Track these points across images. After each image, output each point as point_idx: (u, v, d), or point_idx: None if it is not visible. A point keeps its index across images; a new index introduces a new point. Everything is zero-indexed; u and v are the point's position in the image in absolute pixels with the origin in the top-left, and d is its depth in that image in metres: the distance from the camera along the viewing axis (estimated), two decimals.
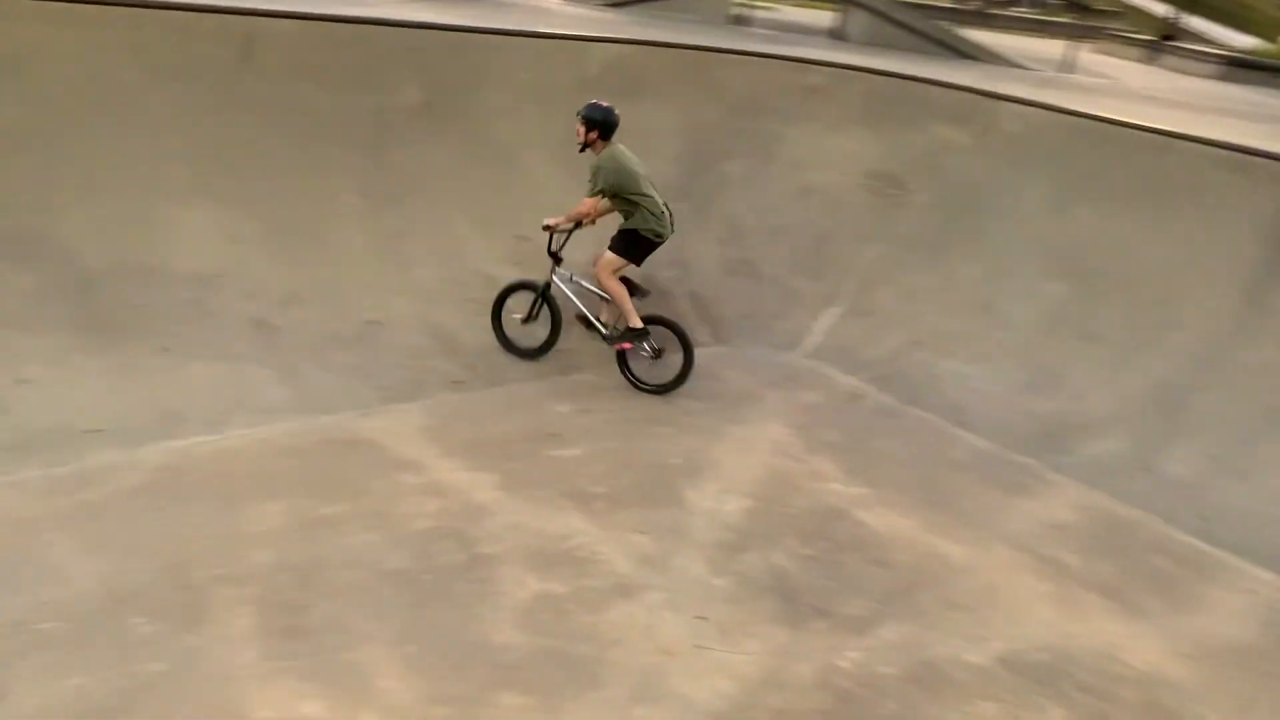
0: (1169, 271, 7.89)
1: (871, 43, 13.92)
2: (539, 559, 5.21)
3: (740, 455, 6.66)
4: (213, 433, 6.09)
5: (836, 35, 14.33)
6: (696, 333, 8.61)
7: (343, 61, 8.34)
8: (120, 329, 6.50)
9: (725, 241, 9.60)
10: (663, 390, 7.44)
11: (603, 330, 7.60)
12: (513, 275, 8.01)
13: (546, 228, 7.35)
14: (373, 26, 8.76)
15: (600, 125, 7.15)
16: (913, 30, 13.97)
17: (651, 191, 7.27)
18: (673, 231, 7.40)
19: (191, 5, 7.82)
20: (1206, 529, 6.34)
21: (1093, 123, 8.96)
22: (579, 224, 7.41)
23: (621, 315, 7.44)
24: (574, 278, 7.60)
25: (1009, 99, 9.53)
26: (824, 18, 15.30)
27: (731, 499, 6.07)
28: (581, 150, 7.24)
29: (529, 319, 7.67)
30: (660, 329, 7.45)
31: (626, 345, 7.46)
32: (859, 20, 14.47)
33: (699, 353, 7.50)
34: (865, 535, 5.88)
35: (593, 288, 7.55)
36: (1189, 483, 6.70)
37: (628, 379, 7.55)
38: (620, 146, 7.25)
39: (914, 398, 7.87)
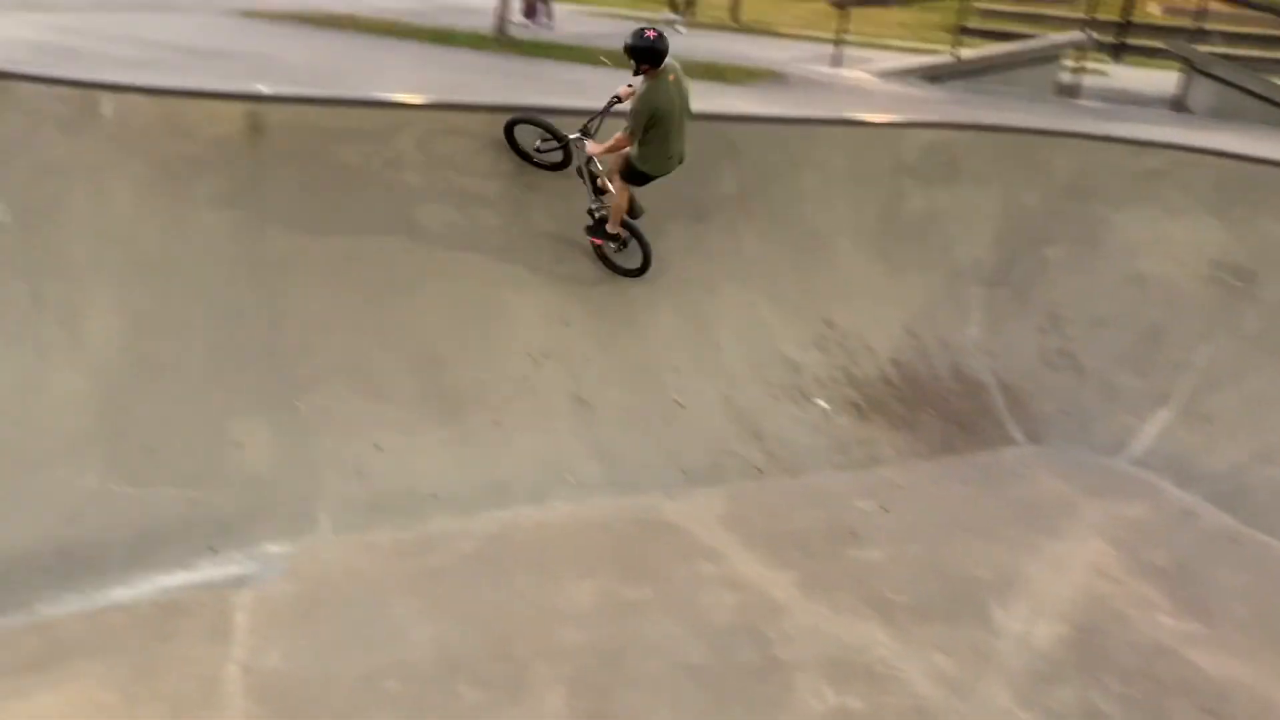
0: None
1: (1219, 114, 12.73)
2: (837, 669, 5.18)
3: (1055, 573, 6.29)
4: (534, 504, 6.58)
5: (1178, 106, 13.23)
6: (1008, 429, 8.29)
7: None
8: (460, 402, 7.18)
9: (1044, 330, 9.15)
10: (628, 274, 8.17)
11: (592, 208, 8.00)
12: (813, 358, 8.12)
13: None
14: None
15: (647, 55, 7.06)
16: (1270, 101, 12.64)
17: (669, 129, 7.25)
18: (678, 166, 7.58)
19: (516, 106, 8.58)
20: None
21: None
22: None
23: (609, 210, 7.89)
24: (593, 158, 7.84)
25: None
26: (1164, 81, 14.15)
27: (1043, 623, 5.74)
28: (635, 74, 7.27)
29: (543, 151, 8.10)
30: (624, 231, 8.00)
31: (596, 240, 8.07)
32: (1203, 88, 13.27)
33: (1012, 451, 7.33)
34: (1196, 679, 5.38)
35: (601, 171, 7.89)
36: None
37: (600, 260, 8.20)
38: (669, 78, 7.16)
39: (1260, 521, 7.11)
